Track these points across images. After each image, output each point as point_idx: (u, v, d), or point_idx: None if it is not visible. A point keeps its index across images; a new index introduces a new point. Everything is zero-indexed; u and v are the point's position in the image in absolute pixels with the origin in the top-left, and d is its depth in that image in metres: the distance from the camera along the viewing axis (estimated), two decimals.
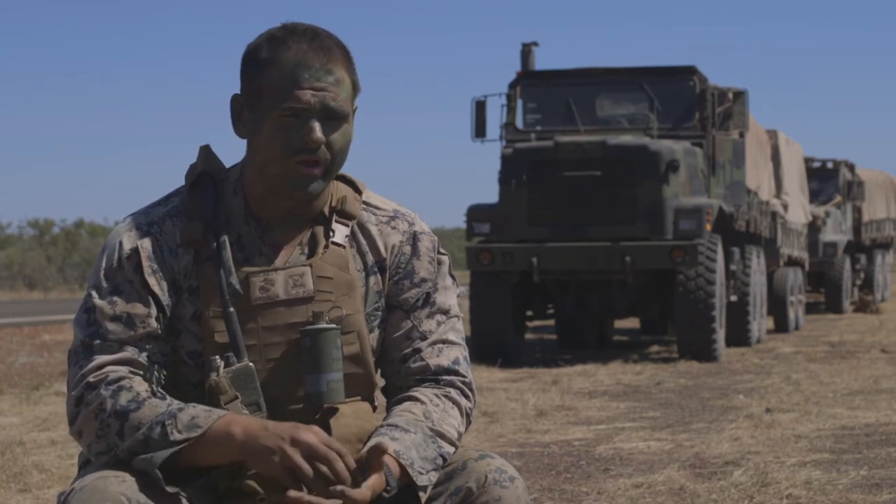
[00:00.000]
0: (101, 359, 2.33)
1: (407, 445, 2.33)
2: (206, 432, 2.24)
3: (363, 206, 2.50)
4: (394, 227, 2.50)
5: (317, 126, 2.35)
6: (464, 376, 2.48)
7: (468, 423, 2.48)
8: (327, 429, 2.37)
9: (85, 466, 2.39)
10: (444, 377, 2.47)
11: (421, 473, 2.31)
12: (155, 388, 2.33)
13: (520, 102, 13.49)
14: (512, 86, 13.52)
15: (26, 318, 20.31)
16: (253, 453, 2.23)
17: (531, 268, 12.24)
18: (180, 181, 2.48)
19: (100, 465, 2.31)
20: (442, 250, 2.53)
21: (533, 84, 13.58)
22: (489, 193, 43.81)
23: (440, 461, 2.36)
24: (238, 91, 2.43)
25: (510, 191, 12.57)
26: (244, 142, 2.45)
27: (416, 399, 2.43)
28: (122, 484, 2.21)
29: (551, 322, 16.08)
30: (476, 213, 12.85)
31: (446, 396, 2.45)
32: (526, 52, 13.95)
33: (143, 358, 2.35)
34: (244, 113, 2.41)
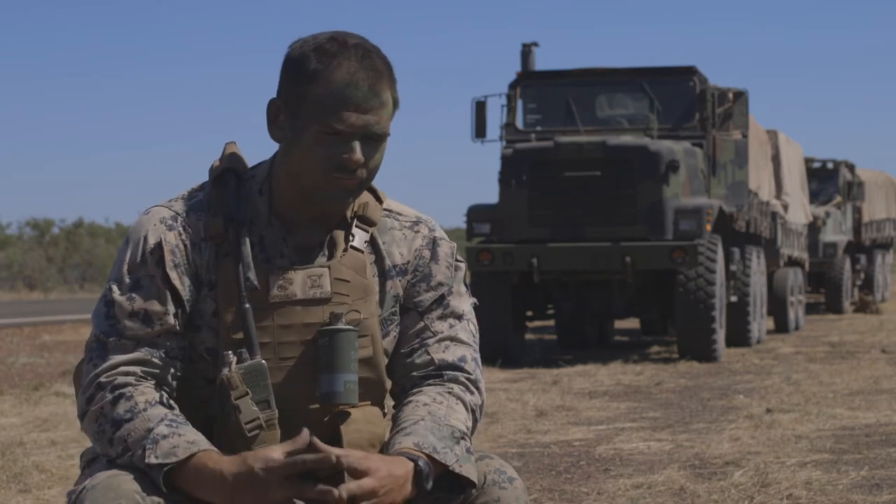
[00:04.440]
0: (115, 358, 2.34)
1: (422, 434, 2.32)
2: (185, 462, 2.23)
3: (385, 212, 2.51)
4: (416, 232, 2.52)
5: (358, 147, 2.35)
6: (469, 373, 2.47)
7: (475, 419, 2.46)
8: (338, 434, 2.37)
9: (90, 464, 2.40)
10: (448, 372, 2.46)
11: (446, 453, 2.31)
12: (162, 395, 2.33)
13: (520, 103, 13.49)
14: (512, 86, 13.52)
15: (26, 319, 20.32)
16: (246, 481, 2.21)
17: (531, 268, 12.23)
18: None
19: (106, 463, 2.32)
20: (459, 258, 2.55)
21: (533, 84, 13.58)
22: (489, 193, 43.77)
23: (457, 433, 2.35)
24: (274, 94, 2.41)
25: (510, 191, 12.57)
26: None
27: (418, 402, 2.42)
28: (135, 482, 2.22)
29: (551, 322, 16.08)
30: (476, 214, 12.85)
31: (449, 393, 2.44)
32: (526, 52, 13.95)
33: (157, 357, 2.35)
34: (281, 117, 2.40)
